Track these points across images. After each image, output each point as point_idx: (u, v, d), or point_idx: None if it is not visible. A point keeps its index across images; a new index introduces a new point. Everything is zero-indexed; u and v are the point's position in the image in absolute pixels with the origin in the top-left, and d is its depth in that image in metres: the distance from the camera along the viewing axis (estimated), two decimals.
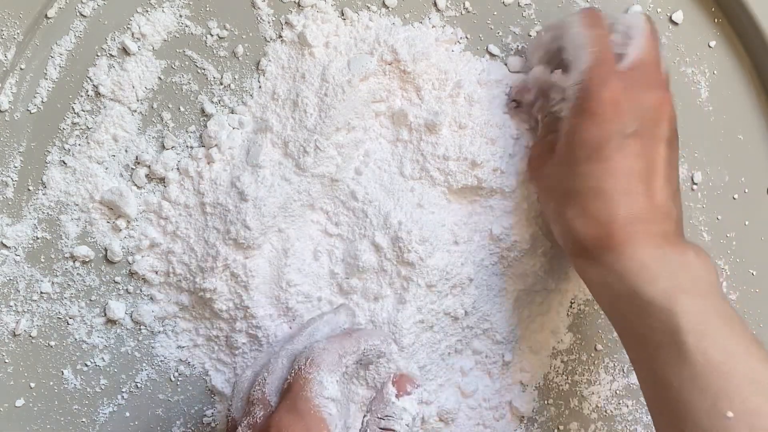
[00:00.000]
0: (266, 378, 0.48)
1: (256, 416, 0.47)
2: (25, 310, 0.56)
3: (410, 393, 0.48)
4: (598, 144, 0.47)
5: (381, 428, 0.48)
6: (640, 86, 0.48)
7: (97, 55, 0.56)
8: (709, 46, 0.58)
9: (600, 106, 0.47)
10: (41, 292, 0.56)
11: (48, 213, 0.56)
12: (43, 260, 0.56)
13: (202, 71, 0.56)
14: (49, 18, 0.56)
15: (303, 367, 0.47)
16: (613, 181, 0.47)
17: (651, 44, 0.50)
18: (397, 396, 0.48)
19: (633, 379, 0.58)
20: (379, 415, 0.48)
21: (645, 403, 0.57)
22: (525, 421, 0.58)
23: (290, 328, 0.55)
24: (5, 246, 0.55)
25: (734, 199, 0.58)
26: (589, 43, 0.49)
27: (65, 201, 0.56)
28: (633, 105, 0.48)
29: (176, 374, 0.56)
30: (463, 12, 0.57)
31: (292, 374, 0.47)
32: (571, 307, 0.58)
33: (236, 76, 0.56)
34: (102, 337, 0.56)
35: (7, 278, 0.56)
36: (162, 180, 0.55)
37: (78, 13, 0.56)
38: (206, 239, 0.54)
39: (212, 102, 0.56)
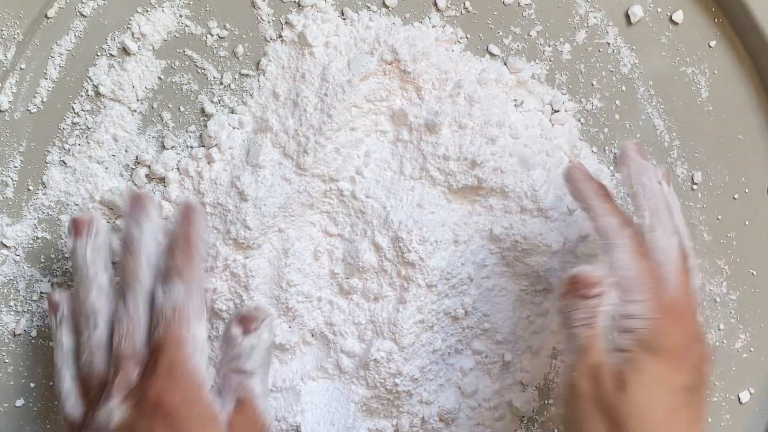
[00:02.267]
0: (133, 330, 0.47)
1: (131, 373, 0.46)
2: (25, 310, 0.56)
3: (257, 329, 0.47)
4: (665, 390, 0.46)
5: (232, 370, 0.47)
6: (691, 332, 0.48)
7: (97, 55, 0.56)
8: (709, 46, 0.58)
9: (671, 354, 0.46)
10: (41, 292, 0.56)
11: (48, 213, 0.56)
12: (43, 260, 0.56)
13: (202, 71, 0.56)
14: (49, 18, 0.56)
15: (172, 322, 0.46)
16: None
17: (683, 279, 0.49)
18: (243, 334, 0.47)
19: None
20: (229, 357, 0.47)
21: None
22: (525, 421, 0.58)
23: (290, 327, 0.55)
24: (5, 246, 0.55)
25: (734, 199, 0.58)
26: (640, 275, 0.47)
27: (65, 201, 0.56)
28: (690, 357, 0.47)
29: None
30: (463, 12, 0.57)
31: (161, 329, 0.46)
32: None
33: (236, 76, 0.56)
34: None
35: (7, 278, 0.56)
36: (162, 180, 0.55)
37: (78, 13, 0.56)
38: (206, 239, 0.54)
39: (212, 102, 0.56)
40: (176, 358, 0.45)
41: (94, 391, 0.48)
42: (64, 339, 0.50)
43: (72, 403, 0.48)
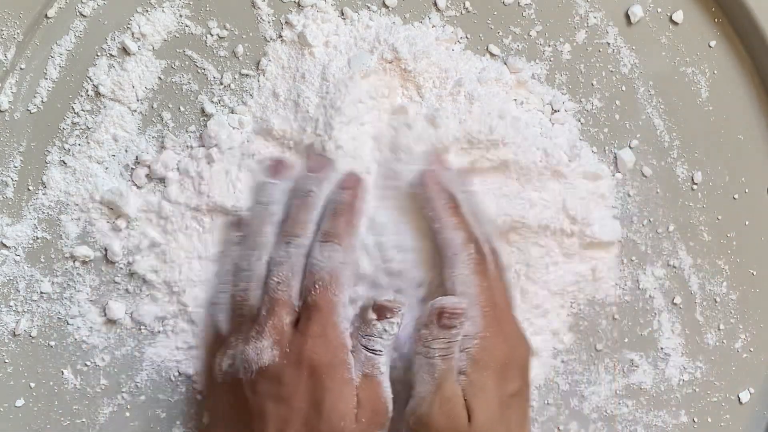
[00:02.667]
0: (290, 280, 0.49)
1: (283, 320, 0.48)
2: (25, 310, 0.56)
3: (390, 318, 0.49)
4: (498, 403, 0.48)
5: (363, 346, 0.49)
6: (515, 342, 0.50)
7: (97, 55, 0.56)
8: (709, 46, 0.58)
9: (500, 365, 0.49)
10: (41, 292, 0.56)
11: (48, 213, 0.56)
12: (43, 260, 0.56)
13: (202, 71, 0.56)
14: (49, 18, 0.56)
15: (329, 287, 0.48)
16: None
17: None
18: (377, 320, 0.49)
19: (633, 379, 0.57)
20: (362, 334, 0.49)
21: (645, 403, 0.57)
22: None
23: None
24: (5, 246, 0.55)
25: (734, 199, 0.58)
26: (478, 293, 0.49)
27: (65, 201, 0.56)
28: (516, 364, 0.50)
29: (176, 374, 0.56)
30: (463, 12, 0.57)
31: (318, 292, 0.48)
32: (571, 307, 0.58)
33: (236, 76, 0.56)
34: (102, 337, 0.56)
35: (7, 278, 0.56)
36: (162, 180, 0.55)
37: (78, 13, 0.56)
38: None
39: (212, 102, 0.56)
40: (329, 321, 0.48)
41: (242, 320, 0.50)
42: (235, 255, 0.52)
43: (223, 317, 0.52)
